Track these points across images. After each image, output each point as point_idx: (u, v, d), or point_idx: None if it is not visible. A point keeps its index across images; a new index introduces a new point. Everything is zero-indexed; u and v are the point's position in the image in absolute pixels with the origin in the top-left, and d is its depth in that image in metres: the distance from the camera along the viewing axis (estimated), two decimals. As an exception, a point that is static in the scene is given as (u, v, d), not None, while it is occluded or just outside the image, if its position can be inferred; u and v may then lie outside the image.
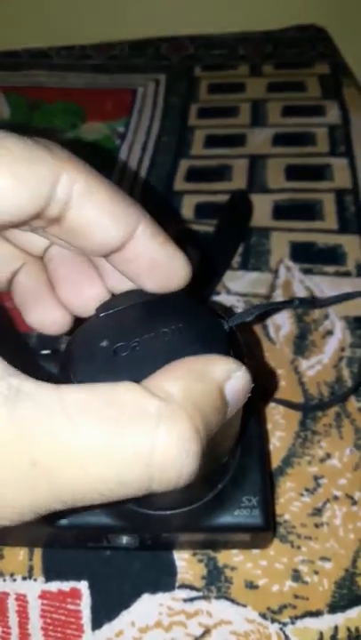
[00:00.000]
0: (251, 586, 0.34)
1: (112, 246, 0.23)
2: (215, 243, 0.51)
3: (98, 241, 0.23)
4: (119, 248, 0.23)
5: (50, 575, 0.34)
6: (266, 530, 0.31)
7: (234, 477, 0.31)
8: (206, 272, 0.48)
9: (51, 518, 0.30)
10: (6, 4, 0.81)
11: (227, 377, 0.20)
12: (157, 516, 0.30)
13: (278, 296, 0.48)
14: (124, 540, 0.32)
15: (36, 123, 0.69)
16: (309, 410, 0.40)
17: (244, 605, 0.33)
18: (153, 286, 0.24)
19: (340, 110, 0.67)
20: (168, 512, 0.29)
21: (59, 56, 0.80)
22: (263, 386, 0.42)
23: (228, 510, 0.30)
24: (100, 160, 0.61)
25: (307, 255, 0.51)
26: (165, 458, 0.18)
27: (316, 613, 0.33)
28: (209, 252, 0.50)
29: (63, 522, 0.30)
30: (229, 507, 0.31)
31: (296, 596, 0.33)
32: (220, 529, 0.31)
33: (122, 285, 0.25)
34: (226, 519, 0.30)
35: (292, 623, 0.32)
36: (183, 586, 0.34)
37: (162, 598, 0.33)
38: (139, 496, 0.26)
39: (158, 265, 0.24)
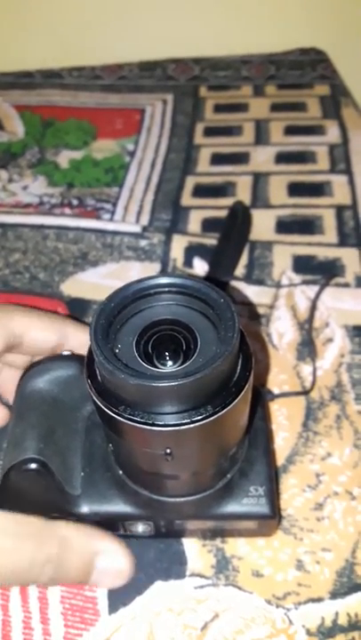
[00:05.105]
0: (257, 574, 0.36)
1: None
2: (219, 252, 0.54)
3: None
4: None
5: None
6: (272, 518, 0.33)
7: (242, 468, 0.33)
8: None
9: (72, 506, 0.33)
10: (20, 27, 0.84)
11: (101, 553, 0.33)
12: (171, 503, 0.32)
13: (281, 305, 0.50)
14: (140, 527, 0.34)
15: (48, 140, 0.73)
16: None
17: (251, 592, 0.35)
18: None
19: (340, 129, 0.71)
20: (181, 499, 0.32)
21: (70, 76, 0.84)
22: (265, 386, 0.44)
23: (236, 499, 0.33)
24: (110, 177, 0.65)
25: (308, 267, 0.54)
26: None
27: (318, 600, 0.35)
28: (214, 260, 0.53)
29: (84, 510, 0.33)
30: (237, 495, 0.33)
31: (299, 584, 0.35)
32: (228, 516, 0.33)
33: None
34: (234, 507, 0.33)
35: (296, 609, 0.34)
36: (193, 574, 0.36)
37: (173, 585, 0.36)
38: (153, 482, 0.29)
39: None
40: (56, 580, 0.32)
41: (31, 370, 0.34)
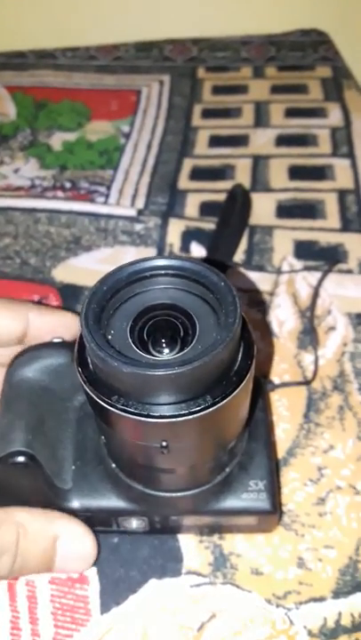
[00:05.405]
0: (256, 572, 0.34)
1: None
2: (218, 236, 0.52)
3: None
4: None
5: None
6: (272, 513, 0.32)
7: (241, 462, 0.32)
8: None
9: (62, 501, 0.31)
10: (13, 6, 0.82)
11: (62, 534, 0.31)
12: (167, 498, 0.30)
13: (282, 292, 0.49)
14: (134, 523, 0.33)
15: (41, 122, 0.70)
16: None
17: (250, 591, 0.34)
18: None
19: (342, 112, 0.69)
20: (177, 494, 0.30)
21: (64, 57, 0.81)
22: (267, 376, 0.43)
23: (235, 494, 0.31)
24: (105, 159, 0.63)
25: (309, 253, 0.52)
26: None
27: (320, 599, 0.33)
28: (213, 245, 0.51)
29: (75, 504, 0.31)
30: (237, 490, 0.31)
31: (300, 583, 0.34)
32: (227, 512, 0.32)
33: None
34: (233, 502, 0.31)
35: (297, 609, 0.33)
36: (190, 572, 0.34)
37: (169, 584, 0.34)
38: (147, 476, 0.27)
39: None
40: (16, 571, 0.31)
41: (19, 358, 0.33)
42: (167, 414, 0.23)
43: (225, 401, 0.24)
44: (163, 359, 0.24)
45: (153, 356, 0.25)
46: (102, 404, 0.24)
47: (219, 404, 0.23)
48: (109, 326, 0.25)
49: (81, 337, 0.26)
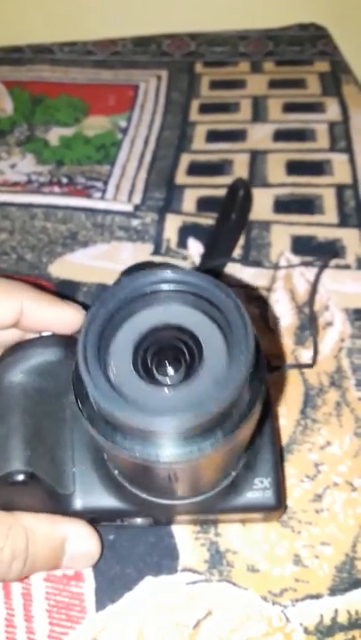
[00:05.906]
0: (252, 570, 0.34)
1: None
2: (217, 231, 0.52)
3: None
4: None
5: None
6: (278, 508, 0.32)
7: (247, 461, 0.31)
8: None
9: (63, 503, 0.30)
10: (10, 0, 0.81)
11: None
12: (171, 505, 0.30)
13: (279, 288, 0.48)
14: (139, 520, 0.32)
15: (38, 117, 0.70)
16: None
17: (246, 589, 0.33)
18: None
19: (340, 107, 0.68)
20: (182, 501, 0.29)
21: (62, 52, 0.81)
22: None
23: (241, 493, 0.31)
24: (102, 154, 0.62)
25: (307, 248, 0.52)
26: None
27: (317, 596, 0.33)
28: (212, 240, 0.51)
29: (78, 507, 0.30)
30: (242, 490, 0.31)
31: (297, 580, 0.34)
32: (232, 510, 0.31)
33: None
34: (239, 501, 0.31)
35: (293, 606, 0.33)
36: (185, 569, 0.34)
37: (164, 581, 0.34)
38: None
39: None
40: (25, 572, 0.30)
41: (6, 359, 0.31)
42: (177, 459, 0.22)
43: (236, 432, 0.23)
44: (168, 400, 0.23)
45: (157, 381, 0.24)
46: (106, 447, 0.23)
47: (230, 437, 0.22)
48: (110, 355, 0.24)
49: (77, 367, 0.24)
